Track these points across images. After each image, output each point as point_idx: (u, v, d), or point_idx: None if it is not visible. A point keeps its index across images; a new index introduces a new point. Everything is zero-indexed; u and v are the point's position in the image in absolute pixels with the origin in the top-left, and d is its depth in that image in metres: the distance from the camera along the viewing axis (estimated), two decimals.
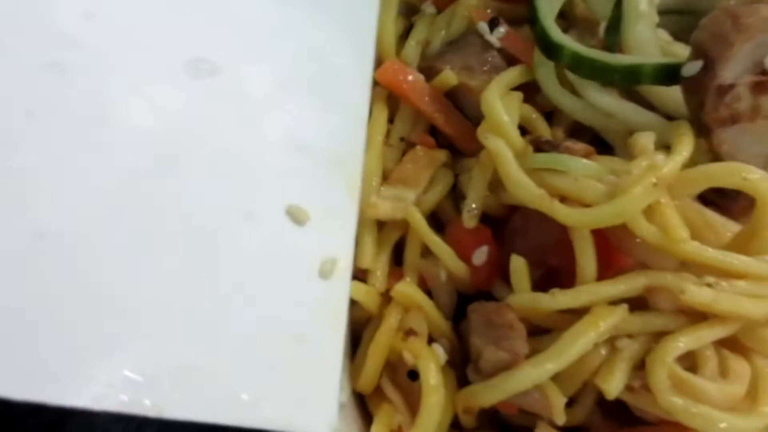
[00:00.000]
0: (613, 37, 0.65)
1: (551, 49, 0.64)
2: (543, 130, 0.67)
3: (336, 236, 0.54)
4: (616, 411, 0.59)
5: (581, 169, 0.56)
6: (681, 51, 0.67)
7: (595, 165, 0.56)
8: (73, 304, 0.41)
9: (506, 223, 0.64)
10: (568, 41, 0.63)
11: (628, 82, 0.62)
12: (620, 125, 0.61)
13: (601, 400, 0.58)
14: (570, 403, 0.58)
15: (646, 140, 0.56)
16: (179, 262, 0.46)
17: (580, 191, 0.55)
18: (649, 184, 0.51)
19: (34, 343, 0.39)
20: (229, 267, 0.48)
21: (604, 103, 0.62)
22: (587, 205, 0.55)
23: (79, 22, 0.48)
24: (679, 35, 0.72)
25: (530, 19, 0.67)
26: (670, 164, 0.53)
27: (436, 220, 0.67)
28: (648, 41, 0.63)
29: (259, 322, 0.48)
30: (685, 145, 0.54)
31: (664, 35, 0.69)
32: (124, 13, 0.51)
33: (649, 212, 0.53)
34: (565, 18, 0.71)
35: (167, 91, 0.50)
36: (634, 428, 0.57)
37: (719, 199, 0.61)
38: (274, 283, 0.49)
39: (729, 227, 0.58)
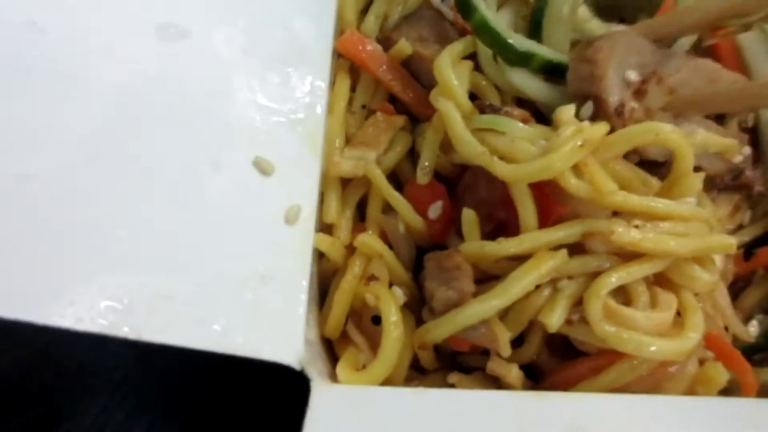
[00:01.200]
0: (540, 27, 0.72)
1: (465, 8, 0.68)
2: (491, 95, 0.72)
3: (300, 187, 0.58)
4: (562, 349, 0.64)
5: (517, 131, 0.62)
6: (595, 27, 0.75)
7: (529, 129, 0.62)
8: (55, 238, 0.45)
9: (458, 182, 0.69)
10: (482, 6, 0.68)
11: (519, 63, 0.68)
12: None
13: (548, 340, 0.64)
14: (519, 343, 0.63)
15: (566, 112, 0.62)
16: (153, 203, 0.50)
17: (515, 151, 0.60)
18: (575, 144, 0.57)
19: (23, 272, 0.43)
20: (199, 210, 0.52)
21: (513, 80, 0.68)
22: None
23: None
24: (604, 8, 0.80)
25: None
26: (595, 128, 0.58)
27: (396, 180, 0.72)
28: (559, 47, 0.70)
29: (229, 261, 0.52)
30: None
31: (584, 13, 0.75)
32: None
33: (578, 170, 0.58)
34: None
35: (139, 51, 0.54)
36: (577, 360, 0.62)
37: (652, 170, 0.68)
38: (242, 226, 0.54)
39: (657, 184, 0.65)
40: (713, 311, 0.70)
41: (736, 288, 0.78)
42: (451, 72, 0.66)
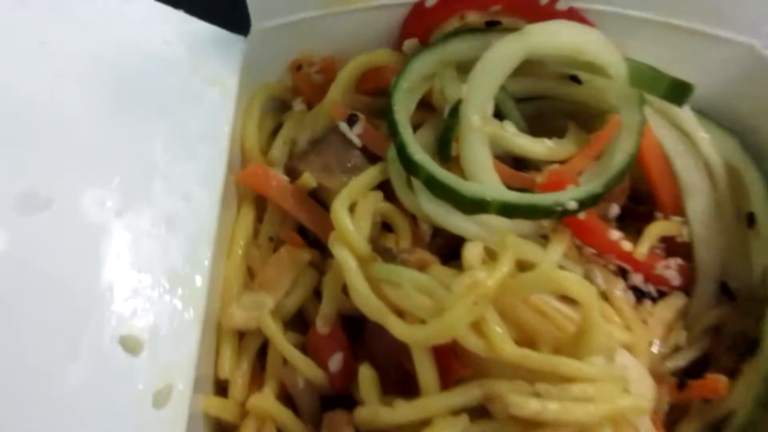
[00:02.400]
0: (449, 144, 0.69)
1: (410, 165, 0.67)
2: (400, 226, 0.69)
3: (173, 360, 0.54)
4: None
5: (413, 281, 0.58)
6: (525, 143, 0.71)
7: (425, 278, 0.58)
8: None
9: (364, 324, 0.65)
10: (426, 161, 0.66)
11: (476, 211, 0.65)
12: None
13: None
14: None
15: (471, 253, 0.58)
16: (9, 398, 0.47)
17: (411, 306, 0.57)
18: (470, 302, 0.53)
19: None
20: (45, 405, 0.48)
21: (431, 212, 0.65)
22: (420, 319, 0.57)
23: None
24: (535, 121, 0.77)
25: (390, 129, 0.69)
26: (490, 281, 0.55)
27: (303, 322, 0.68)
28: (478, 154, 0.66)
29: None
30: (507, 259, 0.56)
31: (510, 128, 0.72)
32: None
33: (476, 326, 0.55)
34: (425, 108, 0.75)
35: None
36: None
37: None
38: (101, 418, 0.50)
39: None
40: None
41: (672, 417, 0.74)
42: (347, 217, 0.63)
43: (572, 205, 0.67)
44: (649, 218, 0.78)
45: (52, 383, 0.49)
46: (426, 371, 0.57)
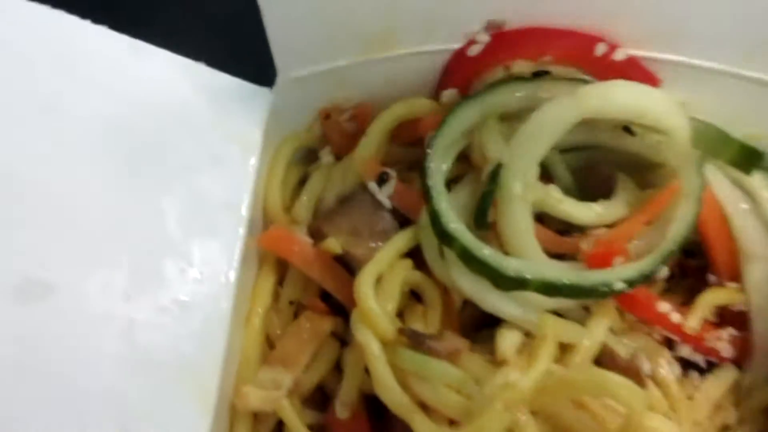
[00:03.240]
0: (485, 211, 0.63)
1: (443, 236, 0.61)
2: (432, 299, 0.64)
3: None
4: None
5: (443, 376, 0.53)
6: (571, 209, 0.65)
7: (456, 373, 0.54)
8: None
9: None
10: (462, 233, 0.61)
11: (514, 288, 0.59)
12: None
13: None
14: None
15: (506, 344, 0.54)
16: None
17: (440, 404, 0.53)
18: (500, 408, 0.49)
19: None
20: None
21: (465, 287, 0.61)
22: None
23: None
24: (581, 171, 0.70)
25: (423, 193, 0.64)
26: (525, 382, 0.50)
27: (323, 396, 0.64)
28: (520, 224, 0.60)
29: None
30: (544, 356, 0.51)
31: (555, 193, 0.65)
32: None
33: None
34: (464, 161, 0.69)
35: None
36: None
37: None
38: None
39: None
40: None
41: None
42: (372, 296, 0.58)
43: (620, 286, 0.61)
44: (700, 276, 0.72)
45: None
46: None
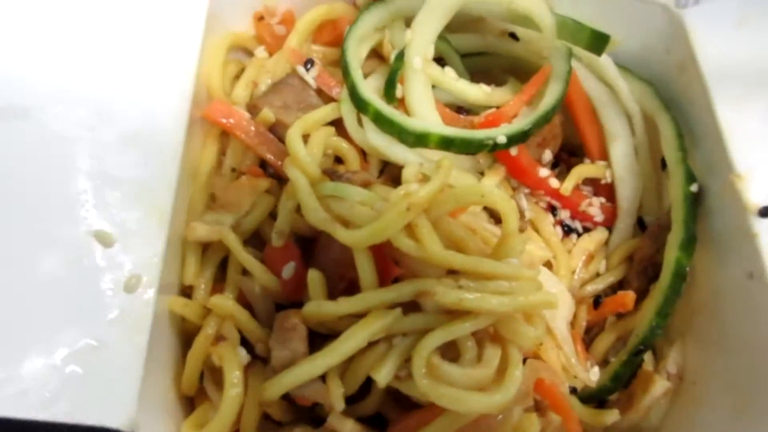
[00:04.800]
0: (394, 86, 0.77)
1: (360, 103, 0.75)
2: (350, 158, 0.77)
3: (141, 256, 0.62)
4: (404, 399, 0.68)
5: (357, 195, 0.66)
6: (464, 87, 0.80)
7: (367, 193, 0.66)
8: None
9: (315, 242, 0.73)
10: (373, 99, 0.75)
11: (418, 144, 0.73)
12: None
13: (392, 392, 0.68)
14: (363, 396, 0.67)
15: (408, 171, 0.67)
16: None
17: (354, 216, 0.65)
18: (403, 208, 0.61)
19: None
20: (28, 286, 0.56)
21: (378, 144, 0.74)
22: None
23: None
24: (479, 75, 0.86)
25: (343, 72, 0.78)
26: (422, 192, 0.62)
27: (261, 240, 0.76)
28: (421, 93, 0.76)
29: (63, 331, 0.56)
30: (440, 176, 0.64)
31: (450, 73, 0.80)
32: None
33: (409, 230, 0.63)
34: (375, 58, 0.83)
35: None
36: (414, 411, 0.66)
37: None
38: (75, 300, 0.57)
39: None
40: (557, 358, 0.75)
41: (592, 334, 0.83)
42: (300, 142, 0.71)
43: (502, 139, 0.76)
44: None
45: (31, 267, 0.57)
46: (366, 271, 0.64)
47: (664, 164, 0.85)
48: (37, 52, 0.64)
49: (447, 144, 0.75)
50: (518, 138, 0.77)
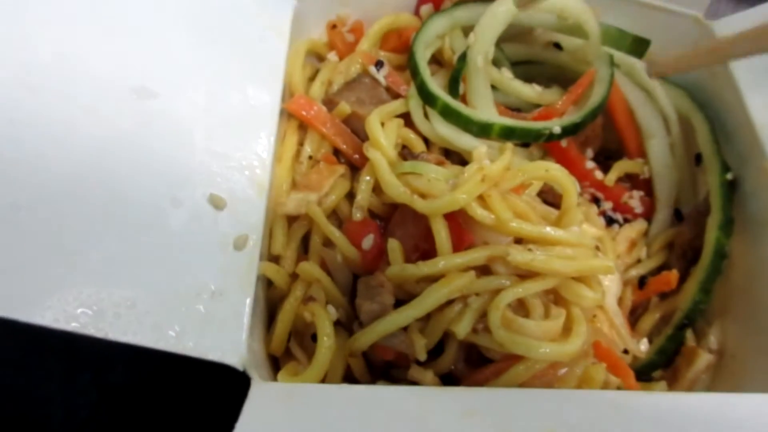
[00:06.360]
0: (458, 83, 0.86)
1: (429, 98, 0.84)
2: (416, 146, 0.85)
3: (248, 220, 0.69)
4: (475, 360, 0.74)
5: (432, 172, 0.74)
6: (519, 86, 0.89)
7: (442, 170, 0.74)
8: (40, 255, 0.56)
9: (390, 219, 0.81)
10: (442, 93, 0.83)
11: (482, 133, 0.81)
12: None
13: (464, 353, 0.74)
14: (438, 354, 0.74)
15: (478, 151, 0.75)
16: (121, 231, 0.61)
17: (430, 189, 0.73)
18: (478, 179, 0.69)
19: (12, 280, 0.54)
20: (159, 236, 0.63)
21: (445, 134, 0.83)
22: None
23: (48, 58, 0.65)
24: (526, 81, 0.94)
25: (412, 71, 0.87)
26: (494, 166, 0.71)
27: (337, 218, 0.84)
28: (482, 89, 0.85)
29: (184, 278, 0.62)
30: (507, 154, 0.73)
31: (507, 74, 0.89)
32: (87, 53, 0.68)
33: (483, 202, 0.71)
34: (438, 63, 0.92)
35: (116, 110, 0.66)
36: (486, 366, 0.72)
37: None
38: (197, 250, 0.65)
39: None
40: (609, 331, 0.81)
41: (636, 314, 0.90)
42: (379, 128, 0.80)
43: (557, 129, 0.84)
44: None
45: (159, 221, 0.64)
46: (442, 238, 0.72)
47: (698, 160, 0.93)
48: (163, 48, 0.73)
49: (508, 133, 0.83)
50: (571, 130, 0.86)
